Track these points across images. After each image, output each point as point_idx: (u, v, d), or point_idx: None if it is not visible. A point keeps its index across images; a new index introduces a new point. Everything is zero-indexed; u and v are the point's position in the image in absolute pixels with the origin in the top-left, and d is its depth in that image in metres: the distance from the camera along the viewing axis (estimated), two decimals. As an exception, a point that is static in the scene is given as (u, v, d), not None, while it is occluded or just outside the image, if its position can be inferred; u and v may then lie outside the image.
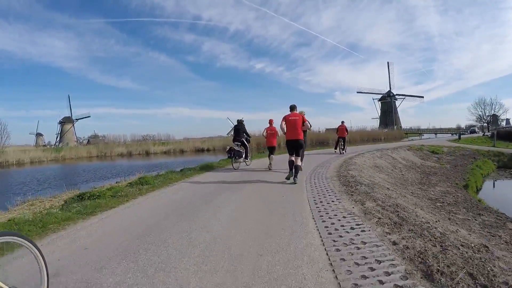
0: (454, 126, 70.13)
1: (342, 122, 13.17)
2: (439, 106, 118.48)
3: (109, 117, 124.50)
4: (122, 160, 31.93)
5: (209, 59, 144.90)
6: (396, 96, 67.83)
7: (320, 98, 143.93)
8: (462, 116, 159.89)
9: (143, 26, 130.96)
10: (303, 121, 6.02)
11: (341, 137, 12.90)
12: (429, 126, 68.01)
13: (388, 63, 66.82)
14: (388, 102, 67.91)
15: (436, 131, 56.07)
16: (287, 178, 5.92)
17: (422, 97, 68.33)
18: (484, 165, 14.04)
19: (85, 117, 65.35)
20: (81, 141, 66.28)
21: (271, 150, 8.64)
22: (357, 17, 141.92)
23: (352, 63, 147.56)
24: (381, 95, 68.71)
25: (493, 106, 59.60)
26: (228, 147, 8.70)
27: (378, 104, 70.39)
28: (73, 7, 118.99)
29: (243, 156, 8.80)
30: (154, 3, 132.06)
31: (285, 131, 6.01)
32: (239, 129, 9.03)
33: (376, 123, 71.01)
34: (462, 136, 39.59)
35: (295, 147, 5.99)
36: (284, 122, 6.05)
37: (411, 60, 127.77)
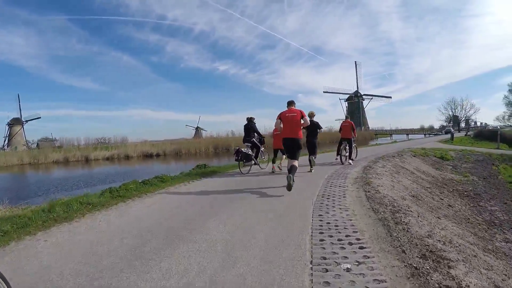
0: (416, 127, 71.55)
1: (346, 117, 9.06)
2: (400, 108, 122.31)
3: (69, 119, 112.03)
4: (53, 169, 25.97)
5: (173, 59, 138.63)
6: (364, 96, 67.11)
7: (284, 100, 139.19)
8: (423, 117, 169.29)
9: (106, 24, 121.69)
10: (302, 116, 5.13)
11: (344, 139, 8.62)
12: (390, 127, 68.28)
13: (355, 62, 66.17)
14: (355, 102, 66.87)
15: (407, 132, 55.48)
16: (289, 189, 4.67)
17: (390, 97, 68.55)
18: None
19: (35, 118, 59.37)
20: (30, 144, 60.00)
21: (280, 152, 7.55)
22: (322, 21, 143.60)
23: (315, 66, 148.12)
24: (348, 95, 67.57)
25: (464, 106, 59.67)
26: (235, 148, 7.71)
27: (345, 105, 69.22)
28: (34, 2, 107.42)
29: (253, 159, 7.84)
30: (119, 0, 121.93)
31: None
32: (248, 128, 7.90)
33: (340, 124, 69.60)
34: (436, 136, 38.60)
35: (291, 147, 5.17)
36: (279, 120, 5.29)
37: (373, 63, 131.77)
